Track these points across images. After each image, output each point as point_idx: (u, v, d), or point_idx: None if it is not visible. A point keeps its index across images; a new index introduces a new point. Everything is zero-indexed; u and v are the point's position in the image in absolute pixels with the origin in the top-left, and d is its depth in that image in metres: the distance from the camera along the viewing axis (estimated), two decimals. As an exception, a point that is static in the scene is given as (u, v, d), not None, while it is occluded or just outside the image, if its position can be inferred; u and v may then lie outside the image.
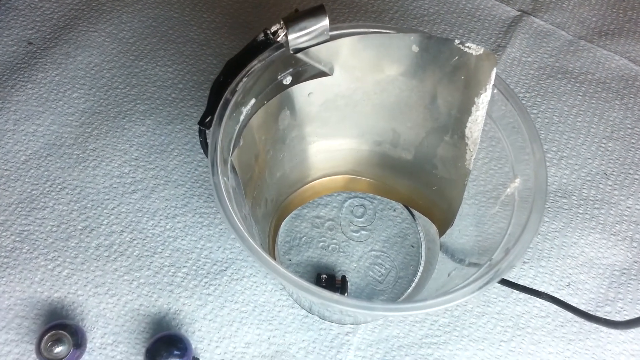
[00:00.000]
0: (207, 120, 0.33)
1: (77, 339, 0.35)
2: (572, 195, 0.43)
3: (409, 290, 0.38)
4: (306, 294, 0.24)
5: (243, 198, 0.31)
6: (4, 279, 0.38)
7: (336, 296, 0.23)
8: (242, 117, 0.31)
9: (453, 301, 0.23)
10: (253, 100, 0.32)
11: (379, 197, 0.42)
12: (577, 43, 0.51)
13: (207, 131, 0.34)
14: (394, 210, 0.42)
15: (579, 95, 0.48)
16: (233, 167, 0.30)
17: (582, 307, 0.38)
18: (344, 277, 0.38)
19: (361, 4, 0.53)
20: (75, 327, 0.35)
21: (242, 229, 0.25)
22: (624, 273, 0.40)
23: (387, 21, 0.52)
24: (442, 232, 0.36)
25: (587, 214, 0.43)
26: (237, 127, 0.31)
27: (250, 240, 0.25)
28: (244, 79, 0.31)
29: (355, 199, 0.42)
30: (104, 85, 0.47)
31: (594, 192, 0.44)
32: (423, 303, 0.23)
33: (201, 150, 0.44)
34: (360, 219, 0.41)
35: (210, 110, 0.33)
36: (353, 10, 0.53)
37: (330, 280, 0.37)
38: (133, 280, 0.39)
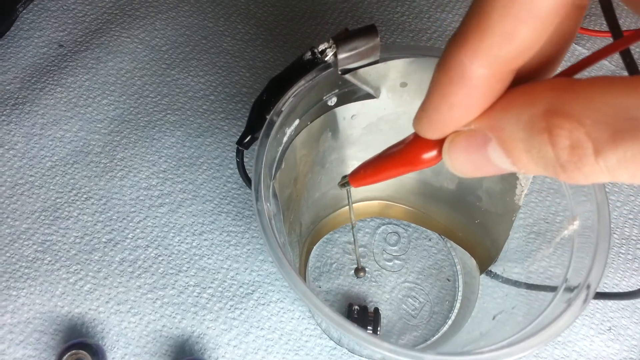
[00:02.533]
0: (246, 140, 0.32)
1: (98, 359, 0.33)
2: (614, 233, 0.42)
3: (445, 328, 0.36)
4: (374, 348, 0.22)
5: (281, 223, 0.29)
6: (24, 290, 0.37)
7: (404, 350, 0.21)
8: (285, 139, 0.30)
9: (527, 349, 0.22)
10: (297, 121, 0.30)
11: (413, 225, 0.40)
12: (620, 74, 0.50)
13: (244, 151, 0.33)
14: (429, 239, 0.40)
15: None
16: (274, 192, 0.29)
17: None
18: (376, 310, 0.36)
19: (398, 22, 0.51)
20: (96, 346, 0.34)
21: (288, 265, 0.24)
22: (669, 320, 0.38)
23: (424, 41, 0.51)
24: (483, 268, 0.34)
25: (629, 254, 0.41)
26: (280, 148, 0.30)
27: (298, 277, 0.23)
28: (290, 100, 0.29)
29: (389, 225, 0.40)
30: (135, 93, 0.46)
31: (636, 232, 0.42)
32: (487, 355, 0.21)
33: (230, 166, 0.43)
34: (393, 247, 0.39)
35: (249, 129, 0.32)
36: (390, 28, 0.51)
37: (363, 312, 0.35)
38: (157, 299, 0.37)
